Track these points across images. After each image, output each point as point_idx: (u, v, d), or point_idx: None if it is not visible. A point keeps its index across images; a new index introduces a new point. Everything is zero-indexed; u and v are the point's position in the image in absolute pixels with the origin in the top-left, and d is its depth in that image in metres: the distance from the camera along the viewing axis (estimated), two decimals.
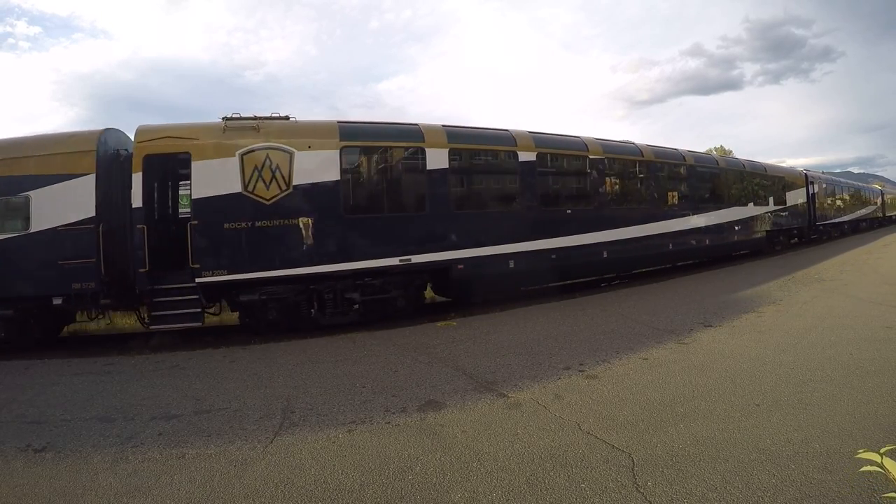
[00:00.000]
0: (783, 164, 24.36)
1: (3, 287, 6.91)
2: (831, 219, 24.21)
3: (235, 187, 7.20)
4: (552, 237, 9.87)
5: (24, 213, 6.93)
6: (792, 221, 19.11)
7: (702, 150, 18.65)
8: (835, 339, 5.68)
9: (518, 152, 9.67)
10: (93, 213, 6.97)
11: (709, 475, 2.88)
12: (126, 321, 8.73)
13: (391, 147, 8.63)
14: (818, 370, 4.65)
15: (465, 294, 9.44)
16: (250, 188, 7.26)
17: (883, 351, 5.13)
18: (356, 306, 8.07)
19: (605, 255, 10.76)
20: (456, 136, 9.06)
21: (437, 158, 8.62)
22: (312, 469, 3.20)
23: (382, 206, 8.56)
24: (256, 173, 7.29)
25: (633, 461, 3.09)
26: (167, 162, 7.90)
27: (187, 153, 7.23)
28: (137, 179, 7.05)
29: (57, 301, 7.07)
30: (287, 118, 8.03)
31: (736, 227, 15.25)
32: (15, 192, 6.98)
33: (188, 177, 7.49)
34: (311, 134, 7.83)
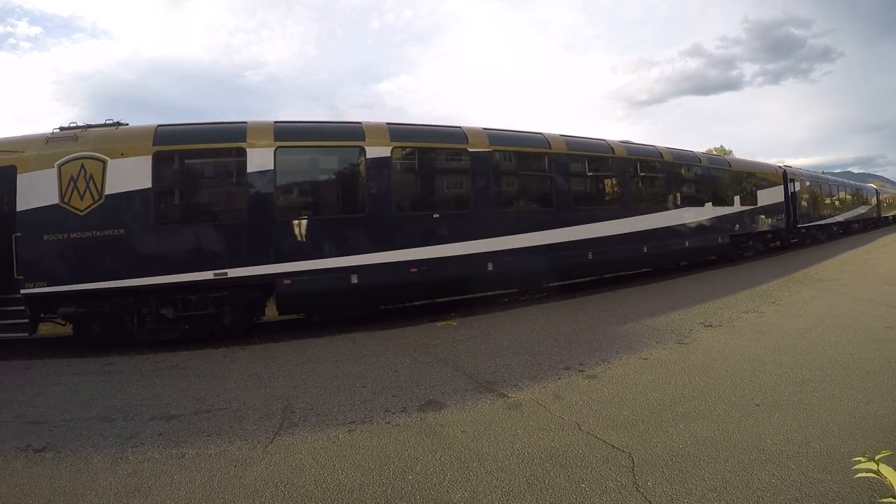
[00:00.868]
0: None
1: None
2: (817, 220, 22.02)
3: (53, 199, 7.01)
4: (414, 247, 8.43)
5: None
6: (766, 224, 16.93)
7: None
8: (835, 339, 5.68)
9: (367, 147, 8.31)
10: None
11: (709, 475, 2.88)
12: None
13: (210, 149, 7.74)
14: (818, 370, 4.65)
15: (297, 312, 8.59)
16: (66, 199, 7.00)
17: (883, 351, 5.13)
18: (180, 323, 7.53)
19: (491, 268, 8.99)
20: (288, 133, 8.07)
21: (260, 159, 7.67)
22: (312, 469, 3.20)
23: (197, 215, 7.78)
24: (72, 184, 7.03)
25: (633, 461, 3.09)
26: None
27: (13, 166, 7.07)
28: None
29: None
30: (118, 124, 7.63)
31: (687, 232, 13.09)
32: None
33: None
34: (125, 140, 7.37)
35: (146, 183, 7.27)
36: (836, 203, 25.55)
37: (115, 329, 7.41)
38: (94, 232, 7.07)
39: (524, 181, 10.49)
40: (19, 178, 7.04)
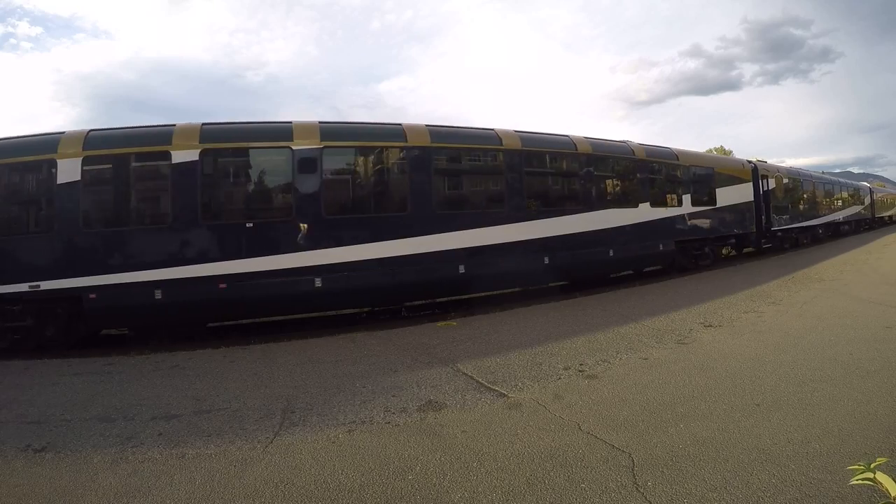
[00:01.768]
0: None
1: None
2: (797, 221, 19.57)
3: None
4: (224, 260, 7.49)
5: None
6: (727, 226, 14.66)
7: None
8: (835, 339, 5.68)
9: (172, 152, 7.48)
10: None
11: (709, 475, 2.88)
12: None
13: (21, 163, 7.44)
14: (818, 370, 4.65)
15: (106, 327, 8.16)
16: None
17: (883, 351, 5.13)
18: (7, 333, 7.31)
19: (319, 285, 7.79)
20: (99, 141, 7.50)
21: (68, 170, 7.26)
22: (312, 469, 3.20)
23: (13, 226, 7.52)
24: None
25: (633, 461, 3.09)
26: None
27: None
28: None
29: None
30: None
31: (612, 238, 10.92)
32: None
33: None
34: None
35: None
36: (823, 203, 23.34)
37: None
38: None
39: (369, 182, 8.99)
40: None
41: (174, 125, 7.83)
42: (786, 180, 18.87)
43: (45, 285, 7.13)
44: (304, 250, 7.80)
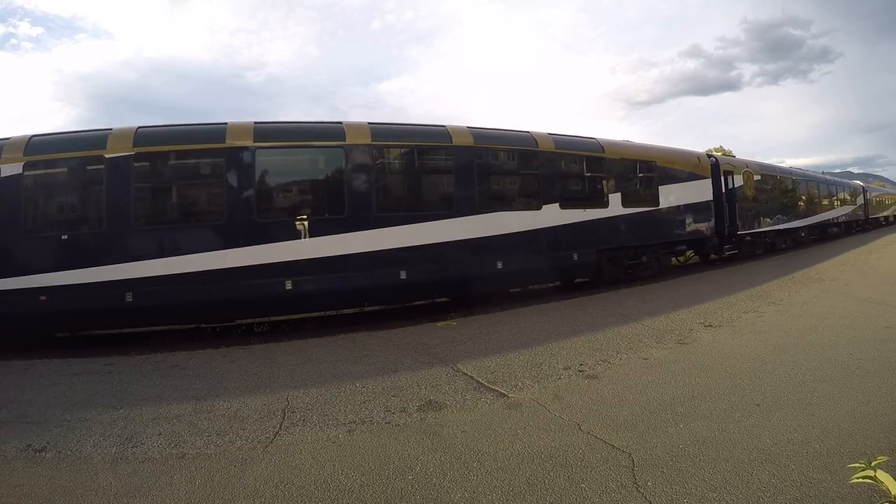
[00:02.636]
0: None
1: None
2: (771, 224, 17.05)
3: None
4: (43, 272, 7.06)
5: None
6: (675, 231, 12.47)
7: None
8: (835, 339, 5.68)
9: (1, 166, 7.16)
10: None
11: (709, 475, 2.88)
12: None
13: None
14: (818, 370, 4.64)
15: None
16: None
17: (883, 351, 5.12)
18: None
19: (130, 300, 7.16)
20: None
21: None
22: (312, 469, 3.20)
23: None
24: None
25: (633, 461, 3.09)
26: None
27: None
28: None
29: None
30: None
31: (501, 248, 9.11)
32: None
33: None
34: None
35: None
36: (806, 203, 20.99)
37: None
38: None
39: (180, 189, 8.03)
40: None
41: (8, 138, 7.51)
42: (757, 177, 16.49)
43: None
44: (114, 263, 7.25)
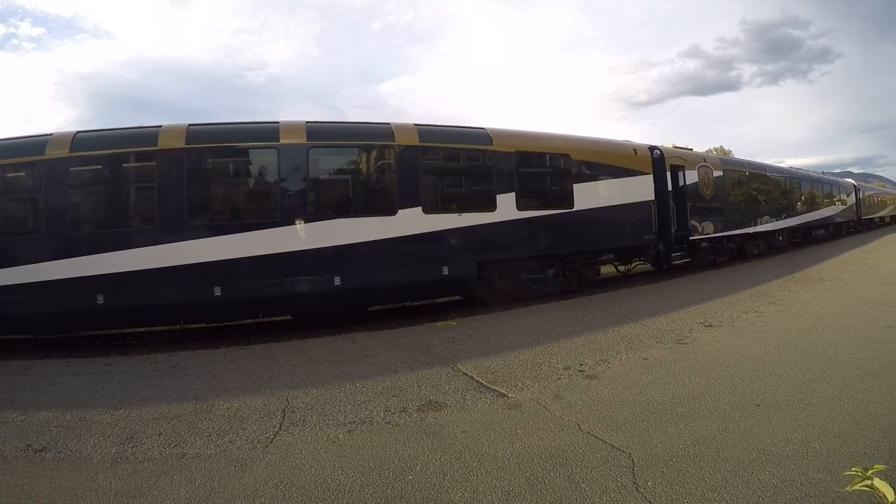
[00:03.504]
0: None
1: None
2: (736, 227, 14.84)
3: None
4: None
5: None
6: (598, 237, 10.47)
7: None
8: (835, 339, 5.68)
9: None
10: None
11: (709, 475, 2.88)
12: None
13: None
14: (818, 370, 4.64)
15: None
16: None
17: (883, 351, 5.12)
18: None
19: None
20: None
21: None
22: (312, 469, 3.20)
23: None
24: None
25: (633, 461, 3.09)
26: None
27: None
28: None
29: None
30: None
31: (336, 262, 7.79)
32: None
33: None
34: None
35: None
36: (785, 202, 18.54)
37: None
38: None
39: None
40: None
41: None
42: (717, 173, 14.22)
43: None
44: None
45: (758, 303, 8.23)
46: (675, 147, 13.63)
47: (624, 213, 10.86)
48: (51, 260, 7.02)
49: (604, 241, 10.68)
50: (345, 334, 7.44)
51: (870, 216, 31.83)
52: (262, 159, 7.98)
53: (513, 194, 9.19)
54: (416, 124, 8.77)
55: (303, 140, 7.81)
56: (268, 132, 7.90)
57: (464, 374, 5.14)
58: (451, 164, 9.22)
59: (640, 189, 11.26)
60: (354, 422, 4.00)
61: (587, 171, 10.35)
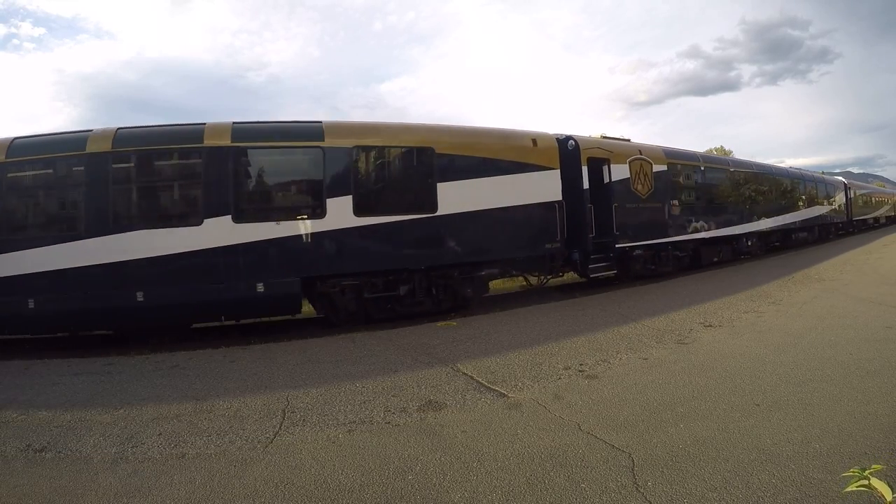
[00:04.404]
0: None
1: None
2: (686, 231, 12.72)
3: None
4: None
5: None
6: (472, 248, 8.71)
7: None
8: (835, 339, 5.68)
9: None
10: None
11: (709, 475, 2.88)
12: None
13: None
14: (818, 370, 4.64)
15: None
16: None
17: (883, 351, 5.12)
18: None
19: None
20: None
21: None
22: (312, 469, 3.20)
23: None
24: None
25: (633, 461, 3.09)
26: None
27: None
28: None
29: None
30: None
31: (140, 278, 7.13)
32: None
33: None
34: None
35: None
36: (755, 202, 16.07)
37: None
38: None
39: None
40: None
41: None
42: (660, 167, 12.02)
43: None
44: None
45: (758, 303, 8.23)
46: (604, 137, 11.82)
47: (514, 218, 9.03)
48: None
49: (481, 252, 8.84)
50: (345, 334, 7.44)
51: (862, 217, 29.27)
52: (72, 168, 7.48)
53: (349, 198, 7.83)
54: (233, 122, 7.85)
55: (108, 148, 7.27)
56: (75, 142, 7.44)
57: (464, 374, 5.14)
58: (272, 165, 8.04)
59: (540, 188, 9.35)
60: (354, 422, 4.00)
61: (458, 168, 8.66)
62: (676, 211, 12.56)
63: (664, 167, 12.24)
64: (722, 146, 64.82)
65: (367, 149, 8.30)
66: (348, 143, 8.02)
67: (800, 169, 22.93)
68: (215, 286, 7.31)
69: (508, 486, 2.87)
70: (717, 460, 3.05)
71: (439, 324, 7.92)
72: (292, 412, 4.26)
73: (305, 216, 7.70)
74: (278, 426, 3.97)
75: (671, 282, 11.68)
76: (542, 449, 3.33)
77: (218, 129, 7.66)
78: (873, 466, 1.55)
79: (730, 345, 5.77)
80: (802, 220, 19.42)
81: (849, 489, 1.51)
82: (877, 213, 33.17)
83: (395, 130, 8.77)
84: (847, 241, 22.59)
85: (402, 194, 8.56)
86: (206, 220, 7.32)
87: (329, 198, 7.78)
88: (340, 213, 7.76)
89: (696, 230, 13.14)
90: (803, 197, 19.96)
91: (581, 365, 5.25)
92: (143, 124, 8.17)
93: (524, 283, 10.93)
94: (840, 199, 24.55)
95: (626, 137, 12.53)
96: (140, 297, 7.11)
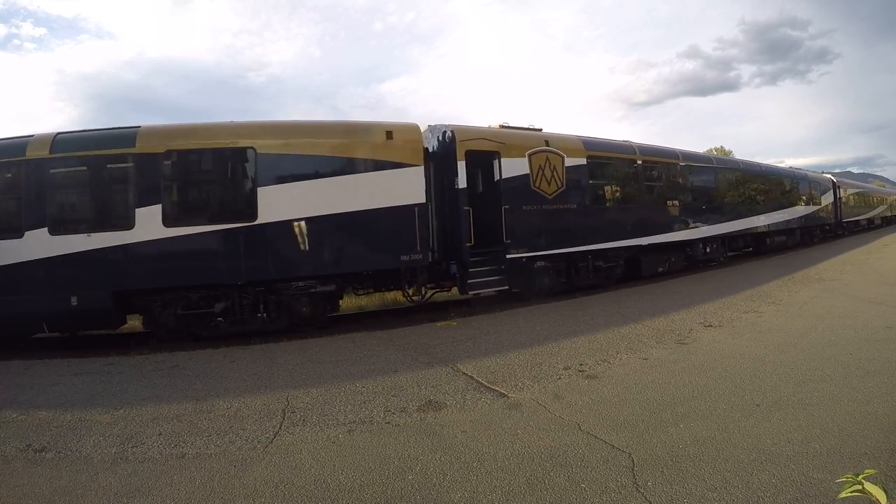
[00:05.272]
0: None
1: None
2: (608, 237, 10.71)
3: None
4: None
5: None
6: (302, 262, 7.80)
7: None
8: (835, 339, 5.68)
9: None
10: None
11: (709, 475, 2.88)
12: (133, 323, 8.70)
13: None
14: (818, 370, 4.64)
15: None
16: None
17: (883, 351, 5.12)
18: None
19: None
20: None
21: None
22: (312, 469, 3.20)
23: None
24: None
25: (633, 461, 3.09)
26: None
27: None
28: None
29: None
30: None
31: None
32: None
33: None
34: None
35: None
36: (716, 201, 14.18)
37: None
38: None
39: None
40: None
41: None
42: (575, 161, 10.31)
43: None
44: None
45: (758, 303, 8.23)
46: (504, 127, 10.12)
47: (357, 225, 7.92)
48: None
49: (316, 265, 7.88)
50: (345, 334, 7.45)
51: (853, 218, 26.77)
52: None
53: (159, 207, 7.34)
54: (57, 133, 7.63)
55: None
56: None
57: (464, 374, 5.14)
58: (85, 175, 7.61)
59: (395, 189, 8.14)
60: (354, 422, 4.00)
61: (285, 170, 7.79)
62: (601, 213, 10.84)
63: (582, 160, 10.44)
64: (722, 146, 64.52)
65: (178, 153, 7.66)
66: (159, 148, 7.47)
67: (776, 164, 21.46)
68: (35, 298, 7.10)
69: (508, 486, 2.87)
70: (717, 460, 3.05)
71: (439, 324, 7.92)
72: (292, 412, 4.26)
73: (115, 227, 7.32)
74: (278, 426, 3.97)
75: (671, 282, 11.68)
76: (542, 449, 3.33)
77: (42, 140, 7.45)
78: (867, 471, 1.55)
79: (730, 345, 5.77)
80: (780, 222, 17.35)
81: (843, 495, 1.51)
82: (871, 214, 30.83)
83: (212, 131, 7.92)
84: (841, 242, 22.20)
85: (217, 202, 7.95)
86: (26, 233, 7.16)
87: (138, 207, 7.32)
88: (149, 224, 7.29)
89: (631, 235, 11.21)
90: (780, 195, 17.96)
91: (581, 365, 5.25)
92: None
93: (403, 298, 9.37)
94: (828, 198, 22.47)
95: (538, 127, 10.72)
96: None
